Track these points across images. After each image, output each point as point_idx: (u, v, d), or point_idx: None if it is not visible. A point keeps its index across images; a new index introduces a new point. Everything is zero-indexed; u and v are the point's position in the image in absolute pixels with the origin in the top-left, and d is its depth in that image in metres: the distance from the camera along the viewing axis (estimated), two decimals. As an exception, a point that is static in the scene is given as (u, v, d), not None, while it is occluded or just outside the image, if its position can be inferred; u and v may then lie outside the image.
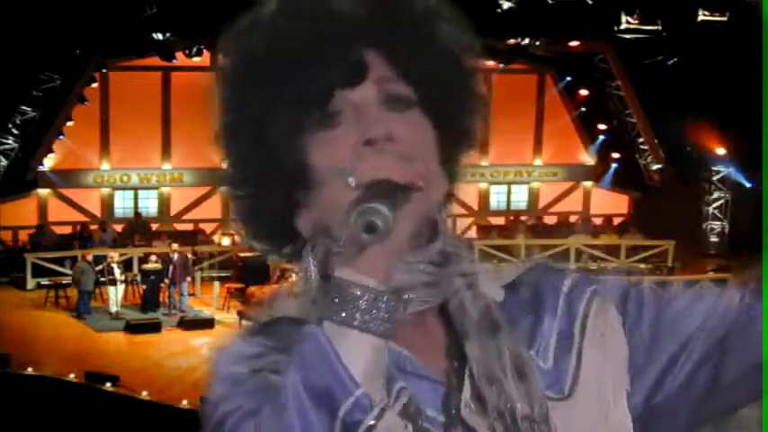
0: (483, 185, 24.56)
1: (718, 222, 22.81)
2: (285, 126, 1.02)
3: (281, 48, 1.02)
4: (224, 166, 1.12)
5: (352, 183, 0.97)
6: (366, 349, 0.90)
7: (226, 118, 1.09)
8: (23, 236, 21.07)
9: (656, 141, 22.60)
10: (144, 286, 17.53)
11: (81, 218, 22.18)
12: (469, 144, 1.11)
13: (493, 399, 1.00)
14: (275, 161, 1.04)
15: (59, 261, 18.80)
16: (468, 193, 24.01)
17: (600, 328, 1.11)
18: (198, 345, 14.35)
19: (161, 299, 17.40)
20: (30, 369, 12.82)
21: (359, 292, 0.91)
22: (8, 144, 20.39)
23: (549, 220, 24.50)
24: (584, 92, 23.47)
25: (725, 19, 19.18)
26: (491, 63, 22.00)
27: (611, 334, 1.11)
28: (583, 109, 23.86)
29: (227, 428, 0.95)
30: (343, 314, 0.91)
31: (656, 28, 19.75)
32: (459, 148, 1.10)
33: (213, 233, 22.76)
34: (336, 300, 0.92)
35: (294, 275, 1.10)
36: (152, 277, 17.31)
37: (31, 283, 18.57)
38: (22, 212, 21.61)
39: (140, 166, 22.80)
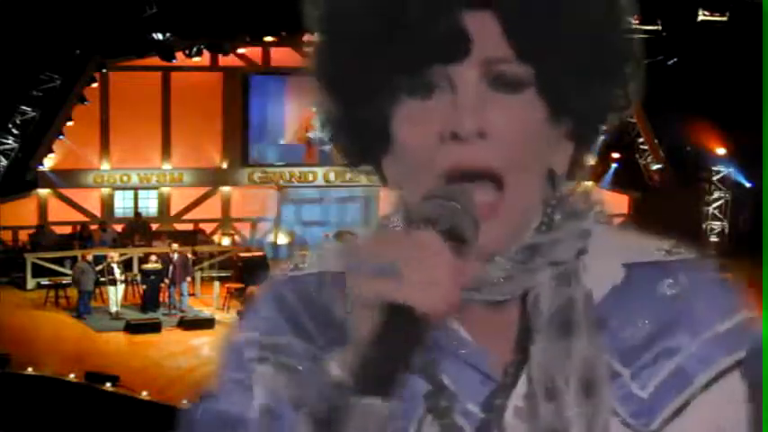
0: (483, 185, 24.53)
1: (718, 222, 22.81)
2: (373, 83, 0.88)
3: (374, 4, 0.87)
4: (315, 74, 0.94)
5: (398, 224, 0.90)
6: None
7: (322, 41, 0.93)
8: (23, 236, 21.06)
9: (656, 141, 22.60)
10: (144, 286, 17.53)
11: (81, 218, 22.16)
12: (596, 141, 0.94)
13: (547, 413, 0.86)
14: (360, 111, 0.91)
15: (59, 261, 18.80)
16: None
17: (724, 403, 0.91)
18: (198, 345, 14.35)
19: (161, 299, 17.39)
20: (30, 369, 12.82)
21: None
22: (8, 144, 20.40)
23: (549, 220, 24.48)
24: (584, 92, 23.46)
25: (725, 19, 19.18)
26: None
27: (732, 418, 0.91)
28: (583, 109, 23.85)
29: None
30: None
31: (656, 28, 19.75)
32: (581, 148, 0.93)
33: (213, 233, 22.76)
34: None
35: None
36: (152, 277, 17.30)
37: (31, 283, 18.56)
38: (22, 212, 21.60)
39: (140, 166, 22.79)
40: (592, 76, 0.88)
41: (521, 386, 0.88)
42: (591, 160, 0.98)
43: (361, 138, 0.92)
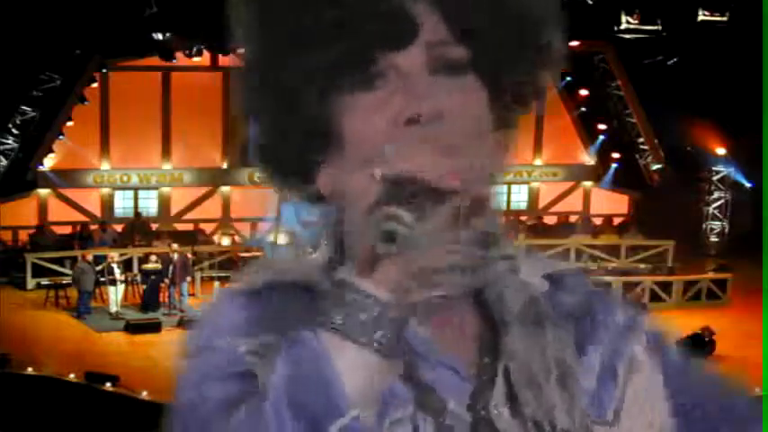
0: (483, 185, 24.54)
1: (718, 222, 22.81)
2: (314, 79, 0.88)
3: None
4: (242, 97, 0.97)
5: (377, 175, 0.81)
6: (366, 368, 0.79)
7: (248, 51, 0.94)
8: (23, 236, 21.07)
9: (656, 141, 22.61)
10: (144, 286, 17.54)
11: (81, 218, 22.16)
12: (524, 110, 0.98)
13: (531, 405, 0.88)
14: (297, 111, 0.90)
15: (59, 261, 18.80)
16: (468, 193, 24.02)
17: (644, 390, 0.97)
18: (198, 345, 14.33)
19: (161, 299, 17.40)
20: (30, 369, 12.83)
21: (368, 303, 0.79)
22: (8, 144, 20.40)
23: (549, 220, 24.49)
24: (584, 92, 23.45)
25: (725, 19, 19.20)
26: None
27: (652, 398, 0.97)
28: (583, 109, 23.85)
29: (202, 417, 0.86)
30: (348, 324, 0.79)
31: (656, 28, 19.77)
32: (512, 117, 0.97)
33: (213, 233, 22.75)
34: (341, 306, 0.80)
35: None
36: (152, 277, 17.31)
37: (31, 283, 18.55)
38: (22, 212, 21.61)
39: (140, 166, 22.79)
40: (519, 56, 0.91)
41: (500, 382, 0.89)
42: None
43: (306, 143, 0.91)
